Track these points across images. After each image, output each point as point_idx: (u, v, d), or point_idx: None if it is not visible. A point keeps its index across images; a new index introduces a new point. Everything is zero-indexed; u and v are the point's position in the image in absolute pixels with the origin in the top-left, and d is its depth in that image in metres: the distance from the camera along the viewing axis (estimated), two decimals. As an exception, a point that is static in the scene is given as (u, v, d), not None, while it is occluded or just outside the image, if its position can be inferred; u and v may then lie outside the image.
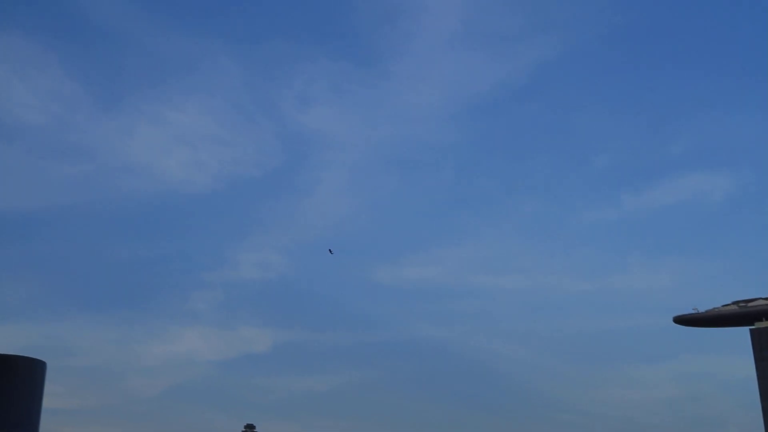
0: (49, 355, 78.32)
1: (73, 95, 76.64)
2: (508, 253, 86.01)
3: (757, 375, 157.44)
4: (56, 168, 76.54)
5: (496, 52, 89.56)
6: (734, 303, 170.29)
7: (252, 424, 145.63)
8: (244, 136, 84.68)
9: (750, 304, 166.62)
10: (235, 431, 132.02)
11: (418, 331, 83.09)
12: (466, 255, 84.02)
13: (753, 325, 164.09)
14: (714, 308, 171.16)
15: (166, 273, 78.15)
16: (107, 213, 78.60)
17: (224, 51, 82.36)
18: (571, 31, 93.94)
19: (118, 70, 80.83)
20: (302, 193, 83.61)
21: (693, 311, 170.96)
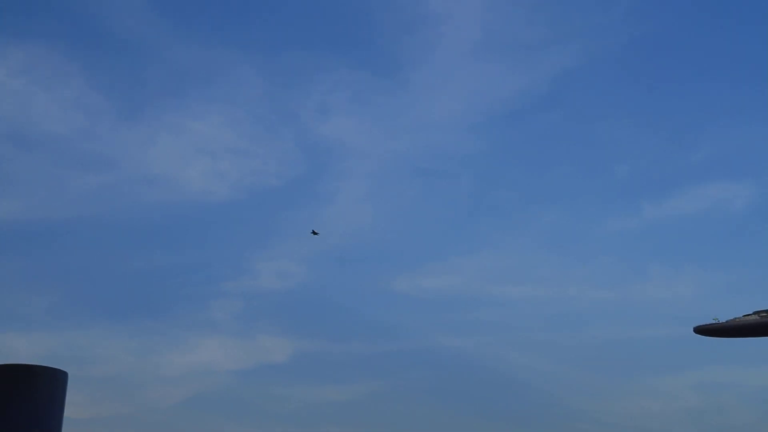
0: (70, 364, 78.55)
1: (95, 105, 78.37)
2: (527, 263, 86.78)
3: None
4: (78, 178, 78.15)
5: (517, 61, 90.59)
6: (755, 313, 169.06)
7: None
8: (264, 146, 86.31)
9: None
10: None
11: (437, 340, 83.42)
12: (485, 264, 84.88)
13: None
14: (735, 318, 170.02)
15: (185, 282, 79.48)
16: (128, 223, 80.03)
17: (244, 61, 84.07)
18: (592, 40, 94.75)
19: (140, 80, 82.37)
20: (322, 202, 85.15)
21: (713, 321, 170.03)
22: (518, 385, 76.31)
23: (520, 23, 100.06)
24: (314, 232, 70.17)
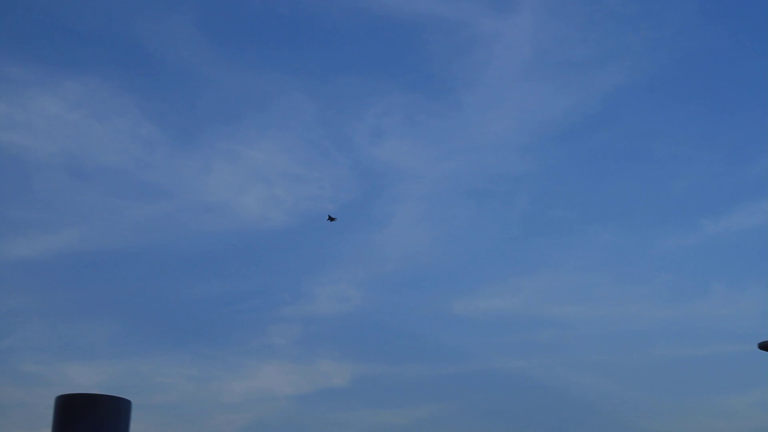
0: (132, 393, 79.26)
1: (149, 135, 78.40)
2: (586, 282, 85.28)
3: None
4: (134, 208, 78.27)
5: (569, 80, 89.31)
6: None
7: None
8: (318, 171, 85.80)
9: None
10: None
11: (497, 362, 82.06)
12: (542, 285, 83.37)
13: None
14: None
15: (243, 309, 78.87)
16: (185, 251, 79.78)
17: (296, 86, 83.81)
18: (644, 56, 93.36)
19: (193, 108, 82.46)
20: (377, 225, 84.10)
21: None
22: (581, 406, 74.99)
23: (570, 42, 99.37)
24: (330, 218, 69.82)
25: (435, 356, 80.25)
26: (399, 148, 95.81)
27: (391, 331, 79.91)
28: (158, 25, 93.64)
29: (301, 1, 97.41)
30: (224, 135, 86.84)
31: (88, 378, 72.16)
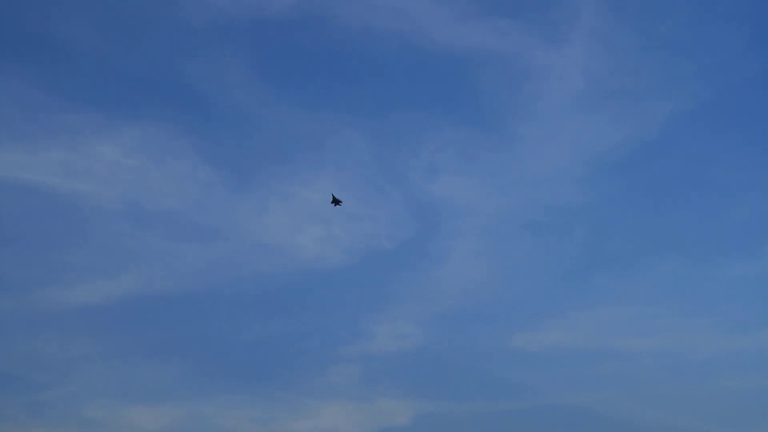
0: (195, 434, 79.75)
1: (206, 178, 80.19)
2: (648, 313, 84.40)
3: None
4: (193, 250, 79.76)
5: (623, 109, 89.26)
6: None
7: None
8: (374, 209, 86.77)
9: None
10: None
11: (560, 397, 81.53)
12: (603, 317, 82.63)
13: None
14: None
15: (303, 349, 79.54)
16: (244, 292, 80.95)
17: (351, 124, 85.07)
18: (700, 83, 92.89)
19: (248, 149, 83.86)
20: (435, 262, 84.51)
21: None
22: (646, 440, 73.90)
23: (623, 71, 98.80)
24: (335, 200, 68.65)
25: (497, 392, 79.53)
26: (454, 183, 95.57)
27: (451, 367, 79.40)
28: (211, 68, 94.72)
29: (353, 39, 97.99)
30: (280, 175, 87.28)
31: (151, 422, 72.58)
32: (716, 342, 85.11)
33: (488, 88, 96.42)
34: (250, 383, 76.77)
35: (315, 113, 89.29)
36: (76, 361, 72.87)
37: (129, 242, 78.66)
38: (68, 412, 70.68)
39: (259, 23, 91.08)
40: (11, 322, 72.89)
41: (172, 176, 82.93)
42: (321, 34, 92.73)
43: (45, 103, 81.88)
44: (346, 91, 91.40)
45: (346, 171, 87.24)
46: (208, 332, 77.59)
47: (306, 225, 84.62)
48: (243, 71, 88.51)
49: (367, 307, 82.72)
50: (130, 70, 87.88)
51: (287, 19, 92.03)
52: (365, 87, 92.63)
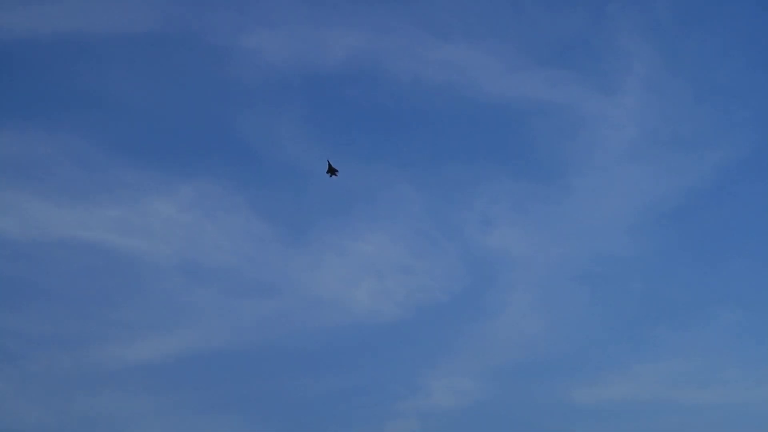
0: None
1: (261, 233, 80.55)
2: (712, 365, 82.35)
3: None
4: (248, 306, 79.74)
5: (678, 157, 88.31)
6: None
7: None
8: (428, 262, 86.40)
9: None
10: None
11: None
12: (665, 370, 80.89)
13: None
14: None
15: (359, 404, 78.77)
16: (298, 347, 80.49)
17: (403, 177, 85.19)
18: (755, 129, 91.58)
19: (302, 204, 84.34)
20: (490, 314, 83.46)
21: None
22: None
23: (678, 119, 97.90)
24: (331, 169, 67.22)
25: (557, 447, 78.01)
26: (509, 235, 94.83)
27: (510, 422, 78.15)
28: (264, 124, 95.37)
29: (405, 92, 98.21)
30: (333, 228, 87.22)
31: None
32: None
33: (541, 138, 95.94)
34: (307, 440, 76.11)
35: (368, 166, 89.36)
36: (134, 419, 72.79)
37: (185, 298, 78.84)
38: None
39: (311, 79, 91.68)
40: (69, 380, 73.08)
41: (227, 231, 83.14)
42: (372, 87, 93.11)
43: (102, 161, 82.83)
44: (399, 144, 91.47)
45: (399, 223, 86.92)
46: (265, 388, 77.18)
47: (360, 278, 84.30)
48: (295, 126, 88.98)
49: (423, 362, 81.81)
50: (184, 126, 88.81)
51: (338, 73, 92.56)
52: (418, 139, 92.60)
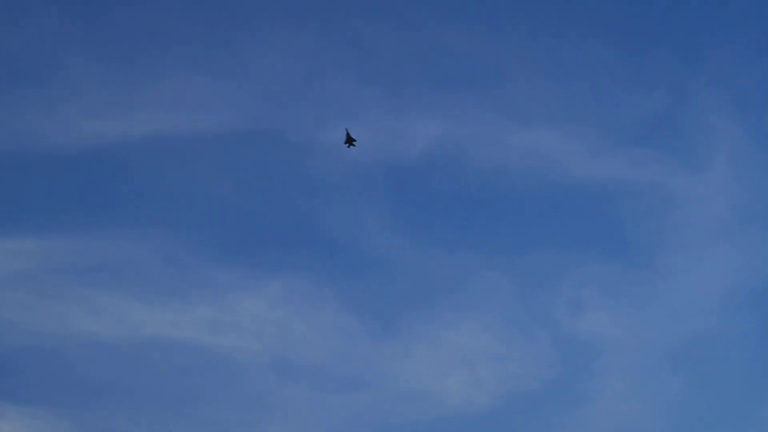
0: None
1: (349, 327, 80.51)
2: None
3: None
4: (339, 401, 79.40)
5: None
6: None
7: None
8: (519, 349, 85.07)
9: None
10: None
11: None
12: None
13: None
14: None
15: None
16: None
17: (491, 264, 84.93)
18: None
19: (390, 295, 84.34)
20: (583, 401, 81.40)
21: None
22: None
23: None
24: (349, 139, 64.81)
25: None
26: (600, 319, 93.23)
27: None
28: (348, 217, 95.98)
29: (488, 179, 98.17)
30: (422, 319, 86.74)
31: None
32: None
33: (629, 219, 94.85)
34: None
35: (454, 255, 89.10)
36: None
37: (276, 395, 78.85)
38: None
39: (393, 169, 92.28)
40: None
41: (316, 326, 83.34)
42: (455, 176, 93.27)
43: (191, 260, 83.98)
44: (485, 231, 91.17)
45: (488, 311, 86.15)
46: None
47: (450, 368, 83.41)
48: (380, 217, 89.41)
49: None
50: (270, 223, 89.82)
51: (421, 163, 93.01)
52: (503, 226, 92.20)
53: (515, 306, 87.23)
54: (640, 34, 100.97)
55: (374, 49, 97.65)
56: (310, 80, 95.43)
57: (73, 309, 79.46)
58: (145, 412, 76.12)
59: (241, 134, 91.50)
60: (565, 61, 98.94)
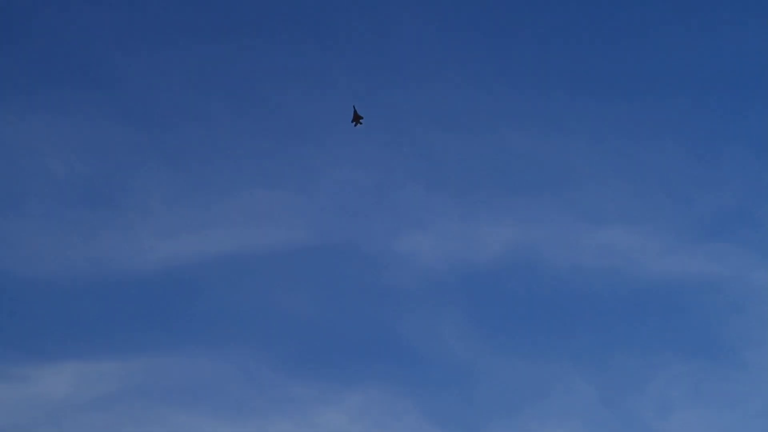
0: None
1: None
2: None
3: None
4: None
5: None
6: None
7: None
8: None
9: None
10: None
11: None
12: None
13: None
14: None
15: None
16: None
17: (573, 369, 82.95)
18: None
19: (471, 404, 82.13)
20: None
21: None
22: None
23: None
24: (356, 118, 61.66)
25: None
26: (688, 419, 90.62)
27: None
28: (425, 325, 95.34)
29: (564, 280, 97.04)
30: (506, 428, 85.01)
31: None
32: None
33: (710, 314, 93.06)
34: None
35: (535, 360, 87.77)
36: None
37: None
38: None
39: (468, 276, 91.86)
40: None
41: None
42: (531, 278, 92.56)
43: (270, 377, 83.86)
44: (564, 334, 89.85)
45: (573, 417, 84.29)
46: None
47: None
48: (457, 324, 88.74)
49: None
50: (347, 335, 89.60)
51: (494, 268, 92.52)
52: (583, 328, 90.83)
53: (601, 410, 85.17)
54: (709, 130, 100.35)
55: (442, 156, 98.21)
56: (380, 190, 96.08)
57: (155, 430, 79.48)
58: None
59: (315, 248, 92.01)
60: (635, 159, 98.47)
